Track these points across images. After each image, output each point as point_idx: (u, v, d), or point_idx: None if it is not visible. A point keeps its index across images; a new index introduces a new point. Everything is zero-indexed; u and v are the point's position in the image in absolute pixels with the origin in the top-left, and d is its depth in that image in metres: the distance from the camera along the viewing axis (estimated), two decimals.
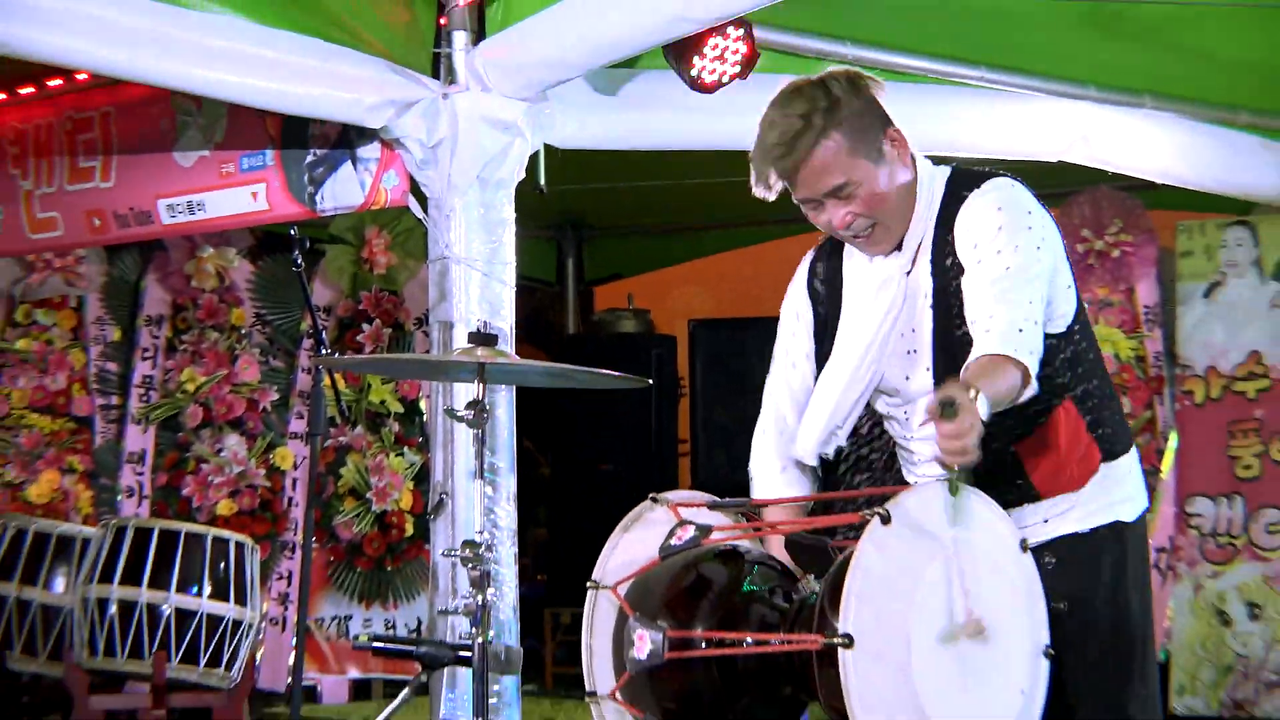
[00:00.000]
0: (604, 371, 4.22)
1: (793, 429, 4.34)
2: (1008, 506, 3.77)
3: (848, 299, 4.20)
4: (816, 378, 4.27)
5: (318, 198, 6.37)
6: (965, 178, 4.04)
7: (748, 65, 6.17)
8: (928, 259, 4.03)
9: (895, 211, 4.01)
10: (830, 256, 4.27)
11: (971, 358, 3.74)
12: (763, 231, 11.40)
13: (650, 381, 4.86)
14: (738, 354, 10.98)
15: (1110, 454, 4.05)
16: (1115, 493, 4.03)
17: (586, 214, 12.33)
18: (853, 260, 4.21)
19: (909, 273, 4.06)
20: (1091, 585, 4.00)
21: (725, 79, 6.17)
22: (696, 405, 11.25)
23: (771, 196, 4.05)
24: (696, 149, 6.92)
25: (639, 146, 6.75)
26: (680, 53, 6.09)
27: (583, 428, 11.16)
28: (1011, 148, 7.37)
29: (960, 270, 3.94)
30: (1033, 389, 3.74)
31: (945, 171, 4.09)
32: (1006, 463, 3.96)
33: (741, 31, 6.12)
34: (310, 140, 6.37)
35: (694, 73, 6.14)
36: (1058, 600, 3.73)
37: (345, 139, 6.25)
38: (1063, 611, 3.75)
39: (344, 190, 6.29)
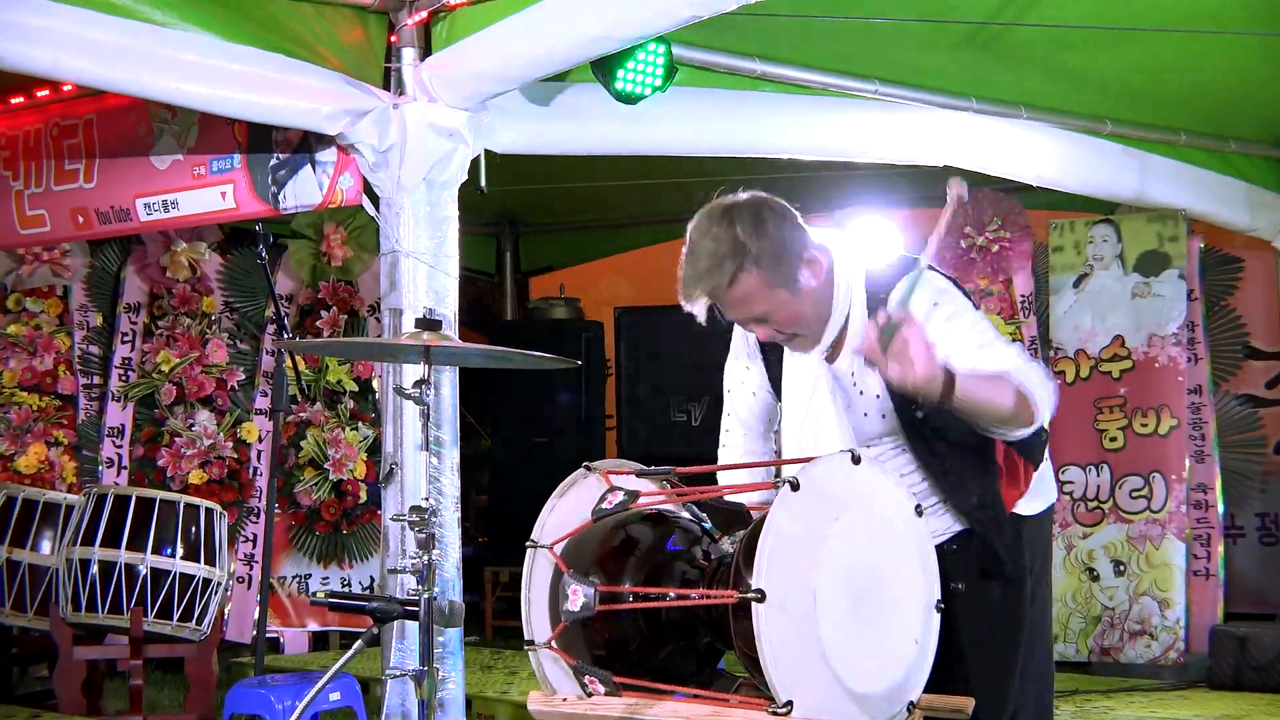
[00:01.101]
0: (538, 354, 4.20)
1: (758, 429, 4.42)
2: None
3: (789, 378, 4.21)
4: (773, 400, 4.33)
5: (280, 197, 6.31)
6: (890, 275, 3.97)
7: (667, 79, 6.17)
8: (855, 351, 3.97)
9: (812, 322, 4.01)
10: None
11: None
12: (680, 228, 11.39)
13: (580, 363, 4.84)
14: (658, 338, 10.99)
15: (1036, 464, 4.12)
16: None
17: (522, 212, 12.32)
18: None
19: (829, 359, 4.07)
20: (987, 568, 4.02)
21: (647, 91, 6.17)
22: (621, 384, 11.24)
23: (699, 315, 3.99)
24: (621, 154, 6.89)
25: (569, 152, 6.70)
26: (606, 68, 6.08)
27: (519, 404, 11.13)
28: (902, 154, 7.39)
29: None
30: (1030, 428, 3.81)
31: (863, 273, 4.04)
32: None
33: (661, 49, 6.11)
34: (273, 145, 6.31)
35: (619, 86, 6.13)
36: (957, 580, 3.75)
37: (305, 144, 6.20)
38: (959, 591, 3.76)
39: (304, 190, 6.24)
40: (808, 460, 3.59)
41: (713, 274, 3.89)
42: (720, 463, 4.39)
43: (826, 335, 4.03)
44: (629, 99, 6.17)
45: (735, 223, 3.89)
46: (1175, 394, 8.80)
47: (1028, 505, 4.10)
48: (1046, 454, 4.20)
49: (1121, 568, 8.74)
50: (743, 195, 4.00)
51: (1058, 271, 9.13)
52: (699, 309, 3.96)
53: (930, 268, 3.86)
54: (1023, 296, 9.36)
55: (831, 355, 4.07)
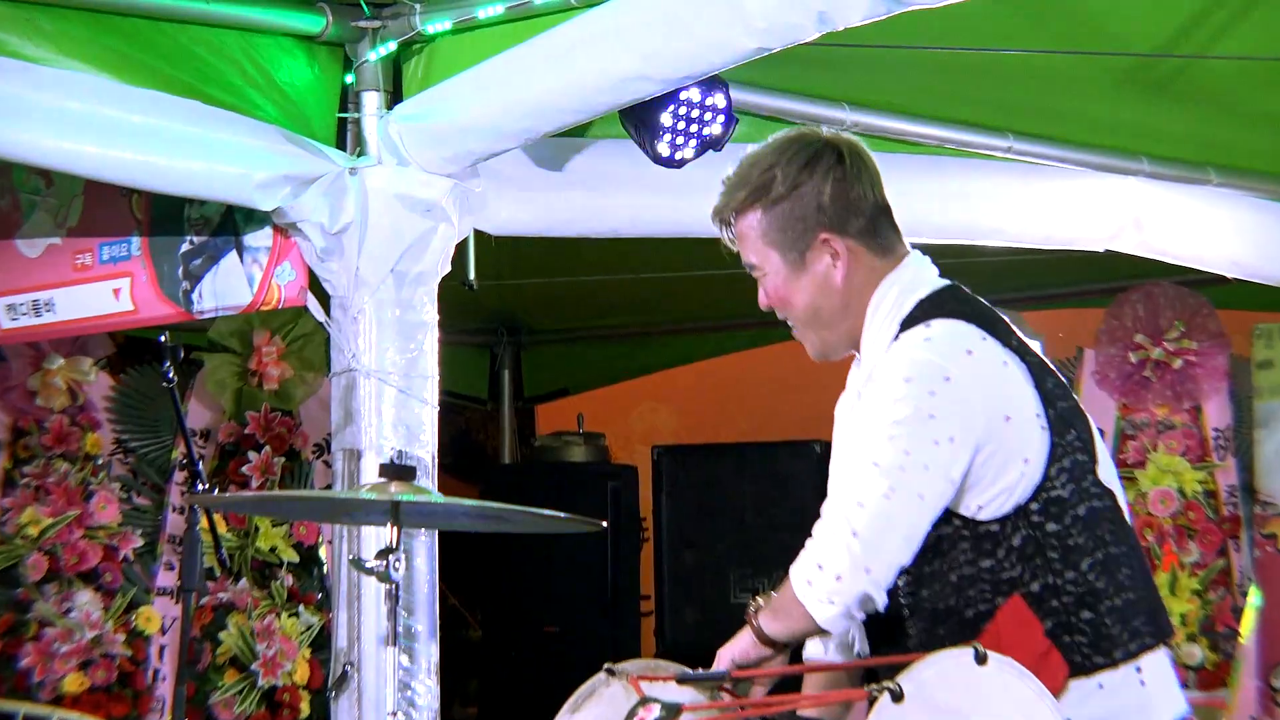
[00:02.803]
0: (548, 512, 4.23)
1: None
2: None
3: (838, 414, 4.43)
4: None
5: (194, 296, 6.35)
6: (920, 310, 4.22)
7: (723, 134, 6.21)
8: None
9: (810, 323, 4.36)
10: None
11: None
12: (740, 337, 11.45)
13: (605, 524, 4.87)
14: (711, 487, 10.97)
15: (1083, 667, 4.06)
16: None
17: (526, 316, 12.34)
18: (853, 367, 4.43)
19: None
20: None
21: (696, 151, 6.21)
22: (662, 552, 11.19)
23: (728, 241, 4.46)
24: (660, 236, 6.93)
25: (590, 233, 6.75)
26: (641, 119, 6.11)
27: (522, 580, 11.12)
28: (1047, 234, 7.40)
29: None
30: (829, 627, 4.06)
31: (921, 293, 4.27)
32: None
33: (716, 94, 6.16)
34: (186, 225, 6.36)
35: (658, 143, 6.16)
36: None
37: (229, 224, 6.24)
38: None
39: (227, 287, 6.28)
40: (914, 657, 3.60)
41: (729, 193, 4.45)
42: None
43: (864, 365, 4.29)
44: (672, 161, 6.21)
45: (786, 154, 4.36)
46: None
47: None
48: (1135, 666, 4.18)
49: None
50: (843, 135, 4.45)
51: (1265, 396, 9.13)
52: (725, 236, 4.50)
53: (967, 322, 4.12)
54: (1216, 431, 9.34)
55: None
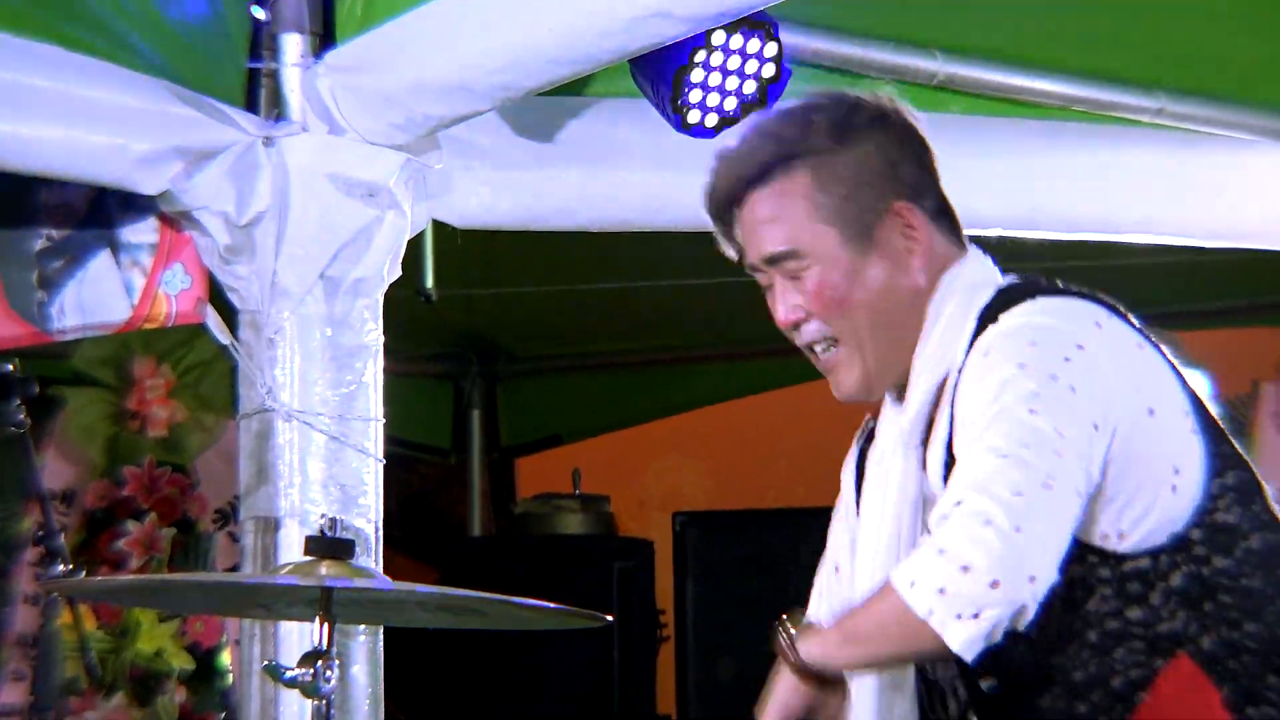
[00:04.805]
0: (532, 602, 4.22)
1: None
2: None
3: (867, 478, 4.46)
4: None
5: (52, 310, 6.33)
6: (1005, 297, 4.18)
7: (769, 91, 6.20)
8: (946, 426, 4.16)
9: (870, 332, 4.29)
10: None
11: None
12: (795, 366, 11.28)
13: (609, 618, 4.87)
14: (754, 570, 10.95)
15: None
16: None
17: (503, 338, 12.34)
18: (884, 413, 4.46)
19: (923, 443, 4.23)
20: None
21: (733, 113, 6.20)
22: (687, 657, 11.20)
23: (730, 251, 4.42)
24: (686, 230, 6.91)
25: (591, 227, 6.73)
26: (660, 72, 6.10)
27: (497, 695, 11.12)
28: (1212, 228, 7.38)
29: None
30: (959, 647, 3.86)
31: (994, 287, 4.26)
32: None
33: (760, 38, 6.15)
34: (41, 215, 6.35)
35: (681, 103, 6.15)
36: None
37: (100, 213, 6.24)
38: None
39: (97, 298, 6.26)
40: None
41: (745, 160, 4.31)
42: None
43: (915, 388, 4.23)
44: (702, 129, 6.19)
45: (819, 111, 4.27)
46: None
47: None
48: None
49: None
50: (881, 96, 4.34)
51: None
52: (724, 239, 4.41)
53: (1085, 299, 4.12)
54: None
55: (927, 440, 4.23)
